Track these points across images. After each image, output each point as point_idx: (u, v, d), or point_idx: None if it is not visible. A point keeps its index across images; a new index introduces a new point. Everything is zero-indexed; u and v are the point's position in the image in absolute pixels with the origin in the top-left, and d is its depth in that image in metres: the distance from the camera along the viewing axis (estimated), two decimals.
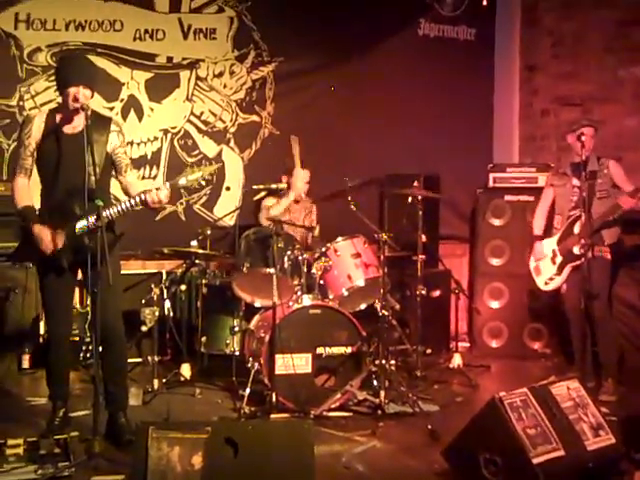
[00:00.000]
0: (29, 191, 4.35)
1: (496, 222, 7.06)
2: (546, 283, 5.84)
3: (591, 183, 5.49)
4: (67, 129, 4.29)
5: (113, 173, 4.47)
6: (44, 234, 4.18)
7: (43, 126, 4.27)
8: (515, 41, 7.96)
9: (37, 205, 4.35)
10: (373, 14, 7.14)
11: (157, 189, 4.18)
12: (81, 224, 4.16)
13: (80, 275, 4.44)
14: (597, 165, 5.57)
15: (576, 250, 5.47)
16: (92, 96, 4.30)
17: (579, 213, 5.42)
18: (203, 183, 4.40)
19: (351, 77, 7.21)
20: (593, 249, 5.39)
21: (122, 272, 4.75)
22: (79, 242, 4.15)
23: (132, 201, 4.20)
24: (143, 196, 4.17)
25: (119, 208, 4.18)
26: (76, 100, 4.15)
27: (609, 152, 5.78)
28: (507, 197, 7.02)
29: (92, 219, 4.10)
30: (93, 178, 4.04)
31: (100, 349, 4.13)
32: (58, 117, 4.30)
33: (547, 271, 5.80)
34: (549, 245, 5.79)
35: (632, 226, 5.85)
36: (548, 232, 5.89)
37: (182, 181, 4.27)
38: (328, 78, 7.13)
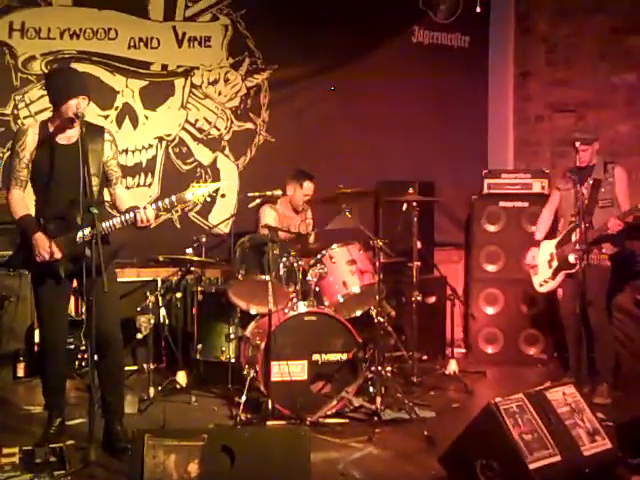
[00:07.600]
0: (25, 202, 4.29)
1: (491, 228, 7.07)
2: (541, 285, 5.83)
3: (594, 191, 5.48)
4: (61, 139, 4.25)
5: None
6: (42, 242, 4.13)
7: (37, 137, 4.22)
8: (509, 48, 7.99)
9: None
10: (367, 21, 7.15)
11: (144, 208, 4.18)
12: (81, 233, 4.12)
13: (75, 283, 4.41)
14: (603, 173, 5.53)
15: (571, 258, 5.47)
16: (88, 103, 4.27)
17: (579, 221, 5.39)
18: (209, 199, 4.38)
19: (345, 84, 7.21)
20: (588, 257, 5.33)
21: (118, 280, 4.73)
22: (78, 252, 4.07)
23: (123, 218, 4.21)
24: (132, 214, 4.17)
25: (112, 222, 4.18)
26: (77, 110, 4.11)
27: (603, 158, 5.77)
28: (502, 203, 7.03)
29: (88, 229, 4.05)
30: (93, 188, 4.01)
31: (97, 357, 4.10)
32: (51, 128, 4.26)
33: (543, 273, 5.80)
34: (548, 247, 5.76)
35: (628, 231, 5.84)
36: (552, 234, 5.86)
37: (188, 195, 4.28)
38: (322, 85, 7.15)
